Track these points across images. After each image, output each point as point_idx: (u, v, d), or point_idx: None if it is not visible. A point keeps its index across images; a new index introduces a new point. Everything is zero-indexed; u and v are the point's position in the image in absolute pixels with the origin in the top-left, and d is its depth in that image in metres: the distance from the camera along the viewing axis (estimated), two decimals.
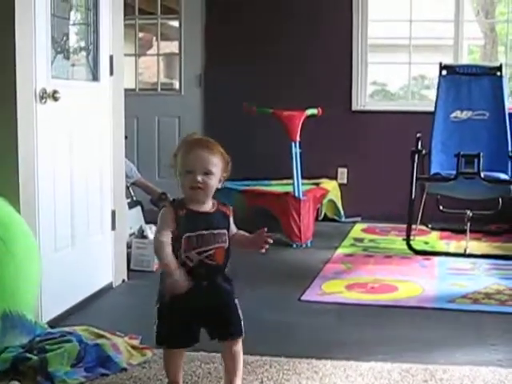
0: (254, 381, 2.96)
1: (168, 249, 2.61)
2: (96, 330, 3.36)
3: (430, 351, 3.38)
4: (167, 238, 2.62)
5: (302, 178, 5.98)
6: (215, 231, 2.66)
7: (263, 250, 2.74)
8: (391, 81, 8.04)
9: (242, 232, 2.79)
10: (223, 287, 2.72)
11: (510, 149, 5.94)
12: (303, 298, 4.27)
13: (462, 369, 3.11)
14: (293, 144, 5.90)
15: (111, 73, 4.45)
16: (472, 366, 3.14)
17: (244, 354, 3.09)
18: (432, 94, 6.51)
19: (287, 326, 3.75)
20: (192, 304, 2.63)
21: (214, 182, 2.67)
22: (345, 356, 3.24)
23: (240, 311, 2.74)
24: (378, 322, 3.86)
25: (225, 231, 2.69)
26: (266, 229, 2.73)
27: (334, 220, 6.85)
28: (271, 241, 2.73)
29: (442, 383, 2.96)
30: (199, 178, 2.61)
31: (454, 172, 5.43)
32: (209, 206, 2.70)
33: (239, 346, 2.75)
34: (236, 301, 2.75)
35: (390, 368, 3.12)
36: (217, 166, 2.67)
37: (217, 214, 2.70)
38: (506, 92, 6.32)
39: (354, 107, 7.10)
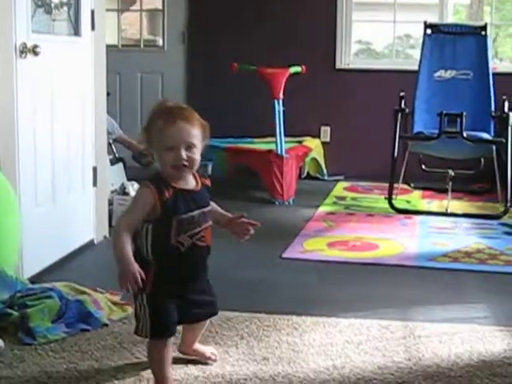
0: (234, 336, 2.98)
1: (128, 239, 2.40)
2: (77, 286, 3.37)
3: (410, 309, 3.41)
4: (130, 228, 2.41)
5: (285, 136, 5.96)
6: (205, 209, 2.51)
7: (243, 240, 2.65)
8: (376, 40, 7.98)
9: (216, 207, 2.66)
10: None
11: (492, 109, 5.95)
12: (284, 255, 4.28)
13: (441, 326, 3.14)
14: (276, 102, 5.88)
15: (92, 28, 4.40)
16: (450, 324, 3.18)
17: (224, 310, 3.14)
18: (417, 53, 6.48)
19: (268, 283, 3.77)
20: (182, 287, 2.53)
21: (198, 156, 2.45)
22: (324, 313, 3.27)
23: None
24: (359, 280, 3.88)
25: (210, 208, 2.56)
26: (245, 214, 2.64)
27: (316, 178, 6.86)
28: (252, 231, 2.63)
29: (420, 340, 2.99)
30: (183, 155, 2.40)
31: (437, 131, 5.43)
32: (192, 181, 2.51)
33: None
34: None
35: (369, 324, 3.14)
36: (197, 137, 2.44)
37: (203, 190, 2.54)
38: (490, 52, 6.31)
39: (338, 65, 7.07)
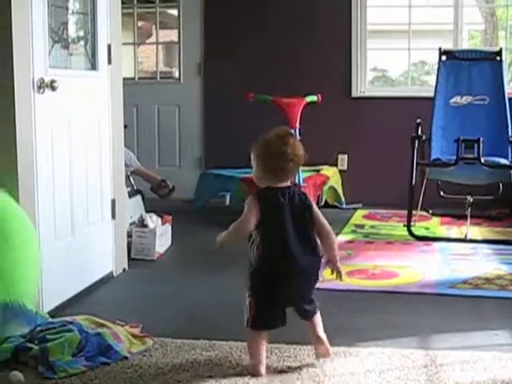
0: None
1: None
2: (97, 319, 3.37)
3: (430, 337, 3.39)
4: None
5: (303, 164, 5.95)
6: None
7: None
8: (391, 67, 8.02)
9: None
10: None
11: (510, 134, 5.94)
12: None
13: (463, 354, 3.12)
14: (293, 131, 5.88)
15: (109, 61, 4.44)
16: (472, 351, 3.15)
17: (242, 340, 3.14)
18: (432, 79, 6.51)
19: (288, 314, 3.73)
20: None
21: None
22: (344, 342, 3.24)
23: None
24: (378, 309, 3.87)
25: None
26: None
27: (335, 207, 6.85)
28: None
29: (442, 368, 2.96)
30: None
31: (454, 157, 5.42)
32: None
33: None
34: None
35: (390, 353, 3.12)
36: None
37: None
38: (506, 77, 6.31)
39: (354, 93, 7.09)
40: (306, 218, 2.93)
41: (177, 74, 7.71)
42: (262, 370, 2.89)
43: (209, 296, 4.09)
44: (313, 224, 2.94)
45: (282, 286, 2.89)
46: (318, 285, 4.21)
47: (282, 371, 2.95)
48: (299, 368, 2.98)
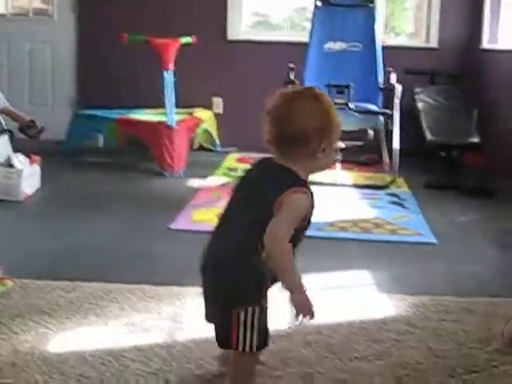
0: (114, 309, 2.95)
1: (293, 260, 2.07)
2: None
3: None
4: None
5: (177, 107, 5.93)
6: None
7: None
8: (273, 12, 7.96)
9: None
10: None
11: (380, 80, 6.05)
12: (172, 226, 4.26)
13: (324, 293, 3.16)
14: (166, 72, 5.82)
15: None
16: (333, 291, 3.24)
17: (107, 282, 3.14)
18: None
19: (154, 255, 3.74)
20: None
21: None
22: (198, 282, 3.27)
23: None
24: None
25: None
26: None
27: (209, 150, 6.85)
28: None
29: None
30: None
31: None
32: None
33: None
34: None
35: None
36: None
37: None
38: (379, 24, 6.39)
39: (230, 37, 7.04)
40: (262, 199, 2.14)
41: (51, 11, 7.47)
42: None
43: (75, 238, 4.02)
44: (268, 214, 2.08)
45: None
46: (186, 226, 4.25)
47: (142, 311, 2.94)
48: (160, 308, 2.98)
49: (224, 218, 2.25)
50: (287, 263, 2.06)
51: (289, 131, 2.15)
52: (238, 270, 2.13)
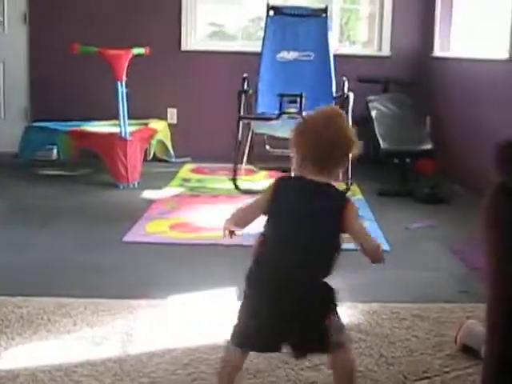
0: (67, 323, 2.92)
1: None
2: None
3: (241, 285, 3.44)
4: None
5: (130, 118, 5.90)
6: None
7: None
8: (228, 22, 7.96)
9: None
10: None
11: (333, 89, 6.08)
12: (125, 239, 4.24)
13: None
14: (119, 84, 5.79)
15: None
16: None
17: (60, 296, 3.11)
18: None
19: (107, 268, 3.71)
20: None
21: None
22: (160, 295, 3.26)
23: None
24: (199, 261, 3.89)
25: None
26: None
27: (163, 160, 6.82)
28: None
29: None
30: None
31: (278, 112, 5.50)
32: None
33: None
34: None
35: (205, 305, 3.18)
36: None
37: None
38: (332, 33, 6.43)
39: (184, 47, 7.04)
40: (328, 223, 2.20)
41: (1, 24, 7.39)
42: None
43: (27, 252, 3.97)
44: (337, 234, 2.20)
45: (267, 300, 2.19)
46: (139, 238, 4.24)
47: (94, 325, 2.92)
48: (113, 322, 2.95)
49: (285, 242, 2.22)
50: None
51: (338, 152, 2.25)
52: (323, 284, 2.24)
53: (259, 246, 2.25)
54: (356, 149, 2.26)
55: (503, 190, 1.92)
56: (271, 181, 2.31)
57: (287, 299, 2.14)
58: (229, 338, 2.22)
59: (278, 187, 2.28)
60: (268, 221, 2.26)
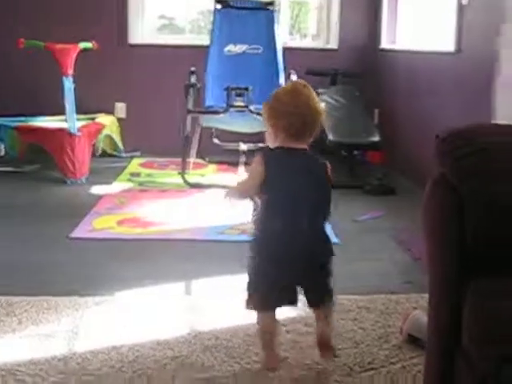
0: (12, 322, 2.89)
1: None
2: None
3: (195, 282, 3.45)
4: None
5: (78, 113, 5.85)
6: None
7: None
8: (179, 15, 7.91)
9: None
10: None
11: (281, 82, 6.08)
12: (72, 235, 4.20)
13: (222, 299, 3.19)
14: (65, 78, 5.73)
15: None
16: (232, 297, 3.22)
17: (7, 295, 3.08)
18: None
19: (53, 265, 3.68)
20: None
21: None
22: (108, 292, 3.25)
23: None
24: (147, 256, 3.88)
25: None
26: None
27: (112, 155, 6.77)
28: None
29: (201, 313, 3.03)
30: None
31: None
32: None
33: None
34: None
35: (152, 301, 3.17)
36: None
37: None
38: (280, 26, 6.44)
39: (131, 41, 6.99)
40: (323, 189, 2.51)
41: None
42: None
43: None
44: (329, 189, 2.53)
45: (283, 259, 2.45)
46: (86, 234, 4.21)
47: (40, 323, 2.89)
48: (58, 320, 2.93)
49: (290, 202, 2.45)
50: None
51: (310, 118, 2.43)
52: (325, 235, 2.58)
53: (263, 212, 2.45)
54: (324, 115, 2.47)
55: (442, 181, 1.96)
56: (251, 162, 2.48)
57: (301, 246, 2.45)
58: (254, 308, 2.55)
59: (268, 158, 2.43)
60: (267, 190, 2.42)
